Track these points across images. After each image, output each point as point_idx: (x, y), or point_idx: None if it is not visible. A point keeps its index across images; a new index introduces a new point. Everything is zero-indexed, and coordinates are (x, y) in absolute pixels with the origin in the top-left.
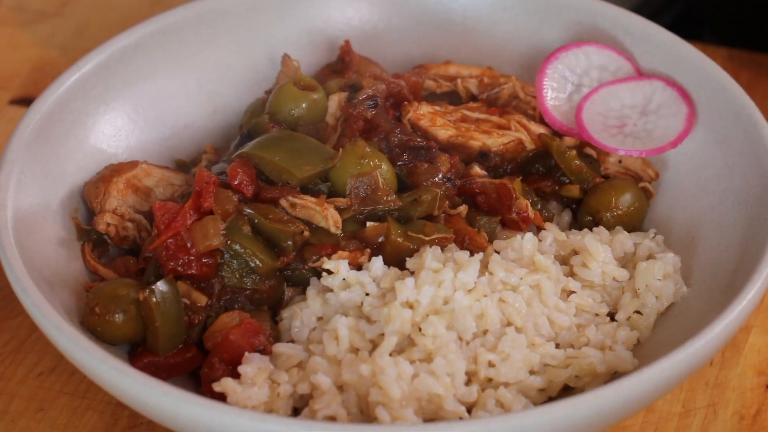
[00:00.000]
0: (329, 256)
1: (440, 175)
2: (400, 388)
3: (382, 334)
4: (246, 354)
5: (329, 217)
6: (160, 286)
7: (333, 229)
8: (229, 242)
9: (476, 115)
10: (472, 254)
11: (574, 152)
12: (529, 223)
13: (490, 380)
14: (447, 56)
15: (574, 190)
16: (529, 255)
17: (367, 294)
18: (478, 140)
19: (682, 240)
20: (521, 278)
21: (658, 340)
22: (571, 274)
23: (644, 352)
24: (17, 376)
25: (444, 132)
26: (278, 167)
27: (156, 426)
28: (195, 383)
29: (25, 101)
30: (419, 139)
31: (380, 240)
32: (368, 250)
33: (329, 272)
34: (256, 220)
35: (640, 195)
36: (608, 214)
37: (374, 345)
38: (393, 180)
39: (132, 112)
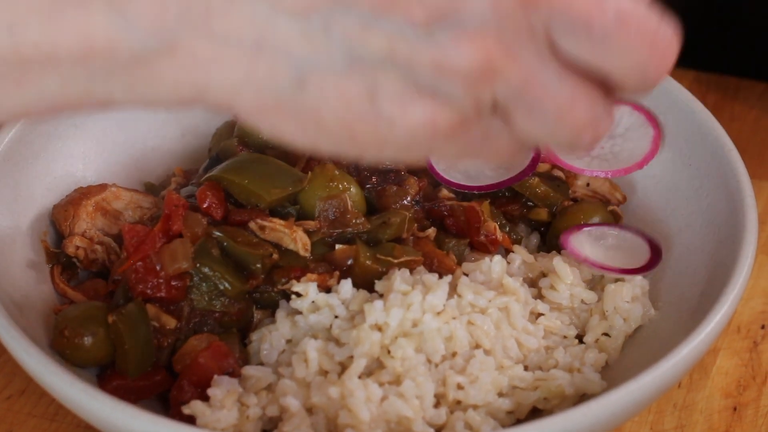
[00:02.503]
0: (298, 279)
1: (409, 198)
2: (369, 410)
3: (351, 357)
4: (215, 377)
5: (298, 240)
6: (129, 308)
7: (302, 252)
8: (198, 265)
9: None
10: (440, 277)
11: (536, 180)
12: (497, 246)
13: (458, 402)
14: None
15: (542, 214)
16: (498, 277)
17: (336, 316)
18: None
19: None
20: (490, 301)
21: (626, 363)
22: (540, 296)
23: (612, 374)
24: None
25: None
26: (247, 190)
27: None
28: (164, 406)
29: None
30: (388, 162)
31: (349, 263)
32: (337, 273)
33: (298, 295)
34: (225, 243)
35: (608, 218)
36: None
37: (343, 367)
38: (362, 203)
39: (101, 135)
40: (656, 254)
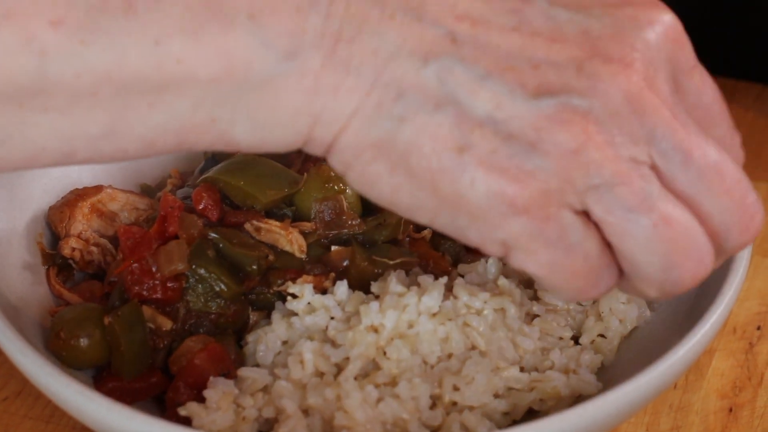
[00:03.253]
0: (294, 281)
1: None
2: (364, 412)
3: (347, 358)
4: (211, 378)
5: (294, 242)
6: (125, 310)
7: (298, 254)
8: (194, 267)
9: None
10: (436, 278)
11: None
12: None
13: (454, 404)
14: None
15: None
16: (493, 279)
17: (332, 318)
18: None
19: None
20: (485, 302)
21: (622, 364)
22: (535, 298)
23: (608, 375)
24: None
25: None
26: (243, 192)
27: None
28: (160, 408)
29: None
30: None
31: (345, 264)
32: (333, 274)
33: (294, 296)
34: (221, 245)
35: None
36: None
37: (339, 369)
38: (357, 204)
39: None
40: None
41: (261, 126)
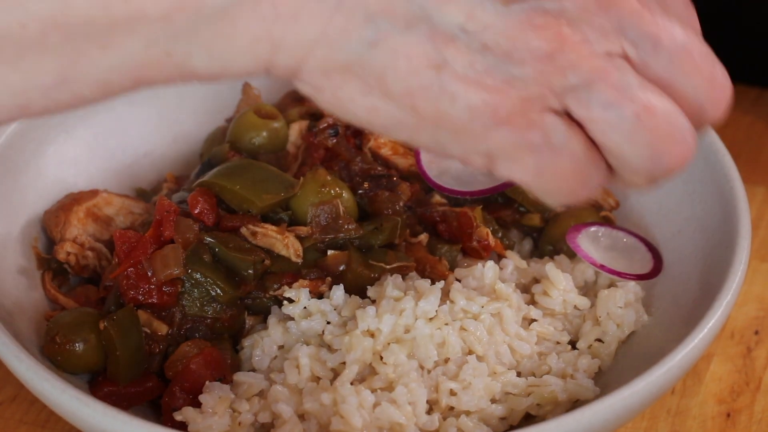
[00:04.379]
0: (290, 285)
1: (401, 204)
2: (361, 416)
3: (344, 363)
4: (207, 383)
5: (290, 246)
6: (121, 315)
7: (294, 258)
8: (189, 271)
9: None
10: (433, 282)
11: None
12: (490, 251)
13: (451, 409)
14: None
15: (535, 219)
16: (491, 283)
17: (328, 322)
18: None
19: None
20: (482, 306)
21: (620, 369)
22: (533, 302)
23: (605, 380)
24: None
25: (405, 161)
26: (239, 196)
27: None
28: (156, 412)
29: None
30: (380, 168)
31: (341, 268)
32: (329, 279)
33: (290, 301)
34: (216, 249)
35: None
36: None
37: (335, 374)
38: (354, 208)
39: (92, 140)
40: (657, 259)
41: (219, 56)
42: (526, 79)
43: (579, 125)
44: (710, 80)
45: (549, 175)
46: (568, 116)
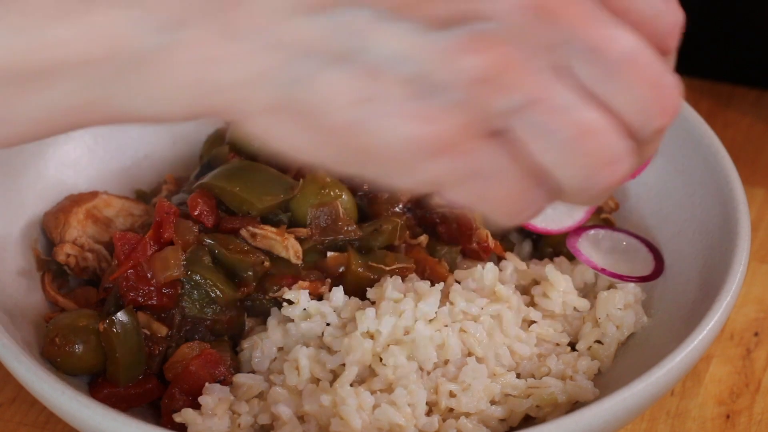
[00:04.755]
0: (290, 287)
1: (401, 205)
2: (361, 418)
3: (343, 365)
4: (206, 384)
5: (290, 248)
6: (121, 316)
7: (294, 260)
8: (189, 273)
9: None
10: (432, 284)
11: None
12: (489, 253)
13: (451, 410)
14: None
15: None
16: (490, 285)
17: (327, 324)
18: None
19: None
20: (482, 308)
21: (619, 370)
22: (532, 304)
23: (605, 381)
24: None
25: None
26: (239, 197)
27: None
28: (155, 414)
29: None
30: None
31: (341, 270)
32: (329, 281)
33: (290, 302)
34: (216, 251)
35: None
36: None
37: (335, 375)
38: (353, 210)
39: (92, 142)
40: (659, 260)
41: (155, 101)
42: (462, 106)
43: (519, 146)
44: (656, 88)
45: (491, 200)
46: (508, 138)
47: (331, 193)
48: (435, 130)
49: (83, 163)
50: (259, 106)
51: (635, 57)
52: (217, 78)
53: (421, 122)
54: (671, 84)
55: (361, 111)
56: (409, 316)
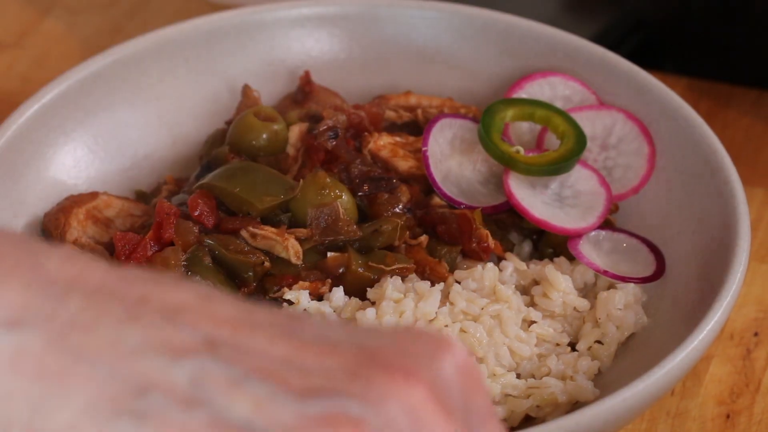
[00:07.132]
0: (290, 287)
1: (401, 206)
2: None
3: None
4: None
5: (290, 248)
6: None
7: (294, 260)
8: (189, 273)
9: None
10: (432, 284)
11: None
12: (489, 253)
13: None
14: (408, 87)
15: None
16: (490, 285)
17: None
18: None
19: None
20: (482, 308)
21: (619, 370)
22: (532, 304)
23: (605, 381)
24: None
25: (404, 163)
26: (239, 198)
27: None
28: None
29: None
30: (380, 170)
31: (341, 270)
32: (329, 281)
33: (290, 303)
34: (216, 252)
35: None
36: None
37: None
38: (354, 211)
39: (92, 142)
40: (660, 260)
41: None
42: None
43: None
44: None
45: None
46: None
47: (332, 194)
48: None
49: (83, 163)
50: None
51: None
52: (46, 395)
53: None
54: None
55: None
56: (409, 316)
